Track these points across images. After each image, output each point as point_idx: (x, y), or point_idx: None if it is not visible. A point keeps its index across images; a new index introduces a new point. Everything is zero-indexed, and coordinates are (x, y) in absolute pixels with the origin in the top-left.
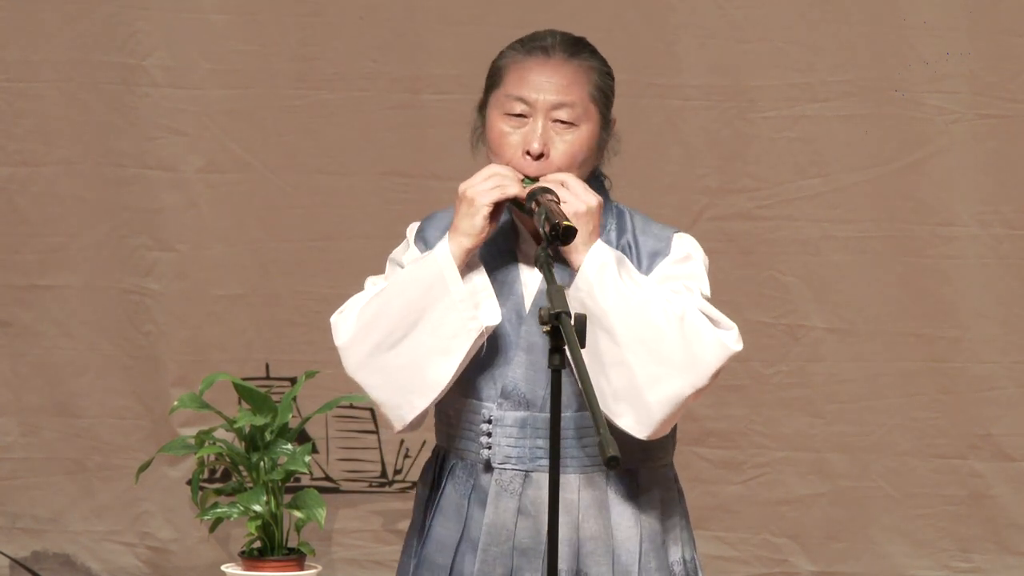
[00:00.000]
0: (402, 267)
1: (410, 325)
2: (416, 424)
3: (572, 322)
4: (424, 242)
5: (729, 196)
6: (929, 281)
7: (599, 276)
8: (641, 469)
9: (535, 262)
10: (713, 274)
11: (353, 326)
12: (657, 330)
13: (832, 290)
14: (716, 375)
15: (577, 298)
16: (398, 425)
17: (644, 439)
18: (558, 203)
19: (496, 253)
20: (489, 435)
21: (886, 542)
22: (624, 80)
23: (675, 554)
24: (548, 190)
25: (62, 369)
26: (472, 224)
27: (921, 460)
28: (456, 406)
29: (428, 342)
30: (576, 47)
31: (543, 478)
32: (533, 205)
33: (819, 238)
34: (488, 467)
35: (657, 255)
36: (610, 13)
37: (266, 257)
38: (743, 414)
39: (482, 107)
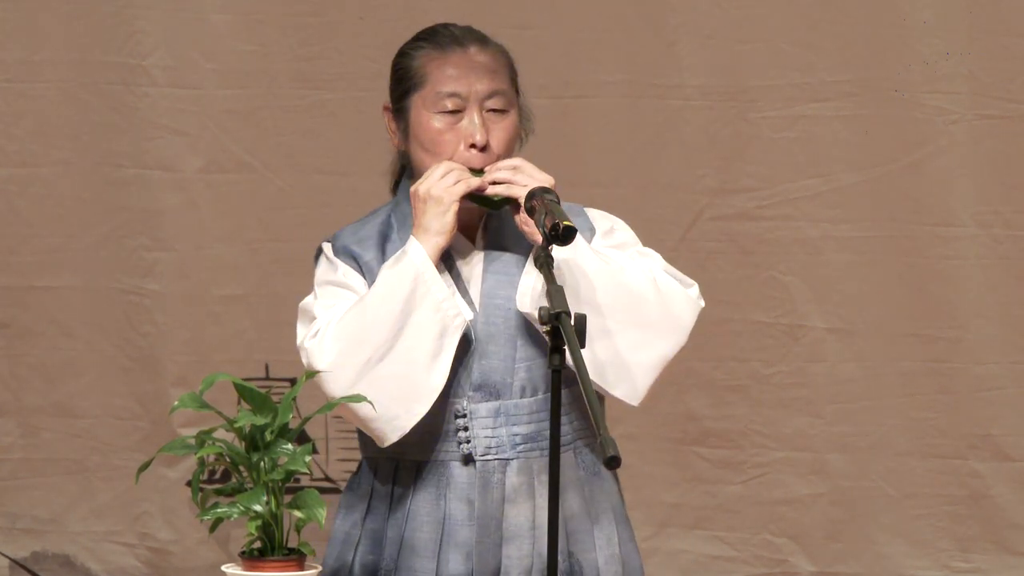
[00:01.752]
0: (343, 287)
1: (397, 333)
2: (407, 433)
3: (572, 322)
4: (353, 257)
5: (729, 196)
6: (929, 281)
7: (575, 250)
8: (592, 441)
9: (535, 262)
10: (712, 274)
11: (335, 346)
12: (637, 295)
13: (832, 290)
14: (690, 331)
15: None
16: (394, 436)
17: (636, 405)
18: (558, 203)
19: (455, 247)
20: (466, 429)
21: (886, 542)
22: (624, 80)
23: (630, 521)
24: (548, 190)
25: (62, 369)
26: (444, 222)
27: (921, 460)
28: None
29: (419, 346)
30: (481, 35)
31: (522, 464)
32: (534, 204)
33: (819, 238)
34: (467, 461)
35: (583, 231)
36: (610, 13)
37: (266, 257)
38: (743, 414)
39: (396, 111)
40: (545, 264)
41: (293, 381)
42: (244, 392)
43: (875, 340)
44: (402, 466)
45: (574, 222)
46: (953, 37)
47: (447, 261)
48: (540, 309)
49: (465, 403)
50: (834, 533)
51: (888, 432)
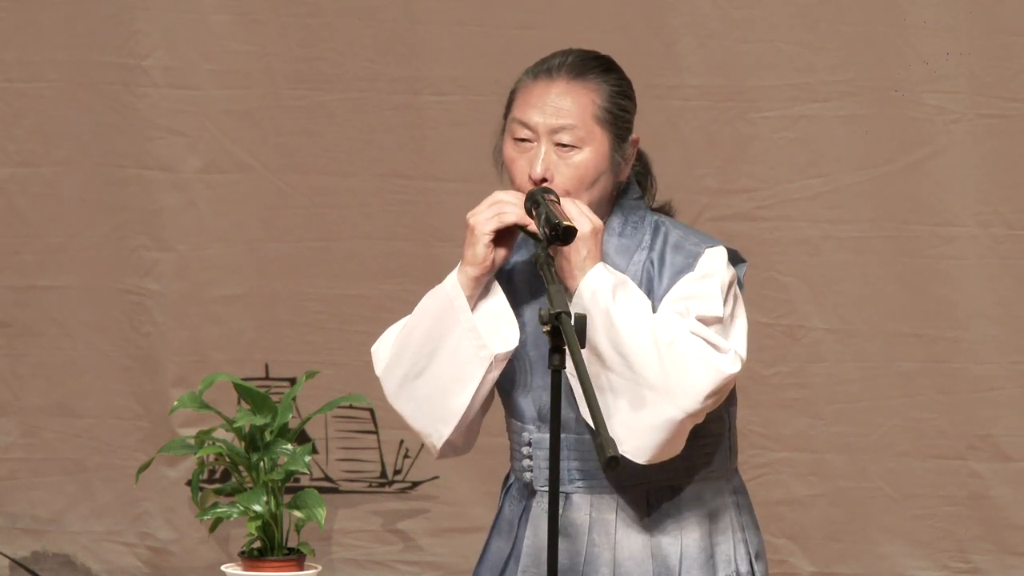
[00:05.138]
0: None
1: (429, 355)
2: (457, 449)
3: (572, 322)
4: None
5: (729, 196)
6: (929, 281)
7: (590, 302)
8: (685, 484)
9: (535, 262)
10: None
11: (385, 356)
12: (644, 356)
13: (832, 290)
14: (711, 398)
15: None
16: (434, 452)
17: (644, 464)
18: (558, 203)
19: (531, 278)
20: (530, 458)
21: (885, 543)
22: None
23: (726, 568)
24: (548, 190)
25: (62, 369)
26: (474, 253)
27: (920, 461)
28: (509, 426)
29: (446, 371)
30: (582, 67)
31: (582, 499)
32: (532, 207)
33: (819, 238)
34: (532, 490)
35: (681, 272)
36: (610, 13)
37: (265, 257)
38: (742, 415)
39: (502, 131)
40: (545, 264)
41: (293, 381)
42: (244, 392)
43: (875, 340)
44: (509, 475)
45: (679, 262)
46: (953, 37)
47: (521, 290)
48: (540, 309)
49: (533, 431)
50: (833, 533)
51: (888, 432)
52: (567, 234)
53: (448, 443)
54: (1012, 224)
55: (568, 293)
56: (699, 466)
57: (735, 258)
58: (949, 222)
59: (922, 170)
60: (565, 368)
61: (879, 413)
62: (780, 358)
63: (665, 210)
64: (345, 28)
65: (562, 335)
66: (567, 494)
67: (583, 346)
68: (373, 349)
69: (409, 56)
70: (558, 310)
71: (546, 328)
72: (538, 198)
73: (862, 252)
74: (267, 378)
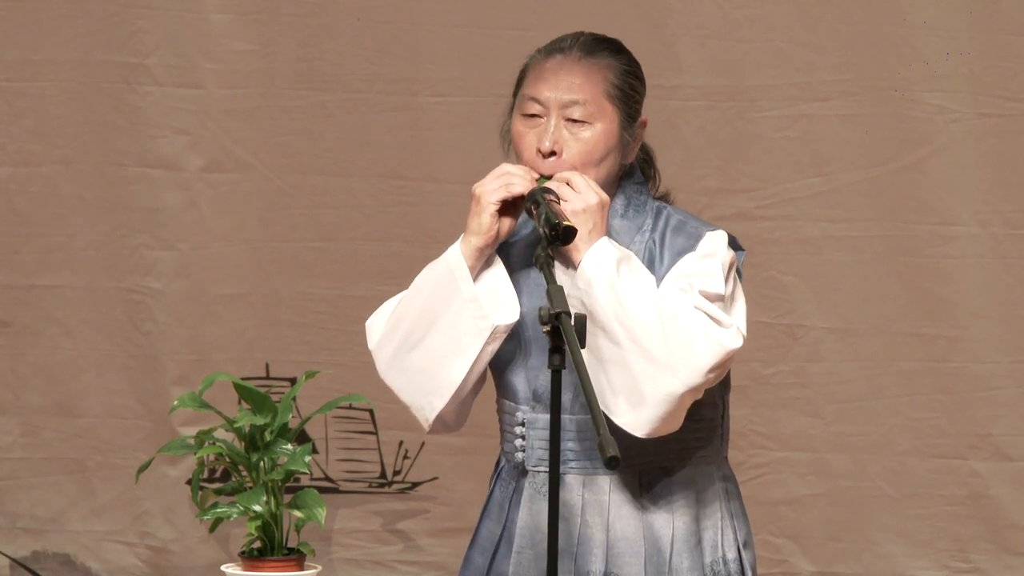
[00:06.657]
0: None
1: (427, 326)
2: (448, 425)
3: (572, 322)
4: None
5: (729, 196)
6: (929, 281)
7: (594, 274)
8: (677, 467)
9: (535, 262)
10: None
11: (380, 328)
12: (647, 329)
13: (832, 290)
14: (712, 372)
15: (576, 296)
16: (425, 425)
17: (642, 437)
18: (558, 202)
19: (528, 260)
20: (523, 438)
21: (885, 542)
22: None
23: (713, 554)
24: (548, 190)
25: (62, 369)
26: (479, 223)
27: (920, 460)
28: (500, 407)
29: (444, 342)
30: (595, 46)
31: (575, 480)
32: (532, 207)
33: (819, 238)
34: (523, 470)
35: (682, 253)
36: (610, 13)
37: (266, 257)
38: (742, 414)
39: (511, 109)
40: (545, 264)
41: (293, 381)
42: (244, 392)
43: (875, 340)
44: (500, 457)
45: (680, 244)
46: (953, 37)
47: (518, 271)
48: (540, 309)
49: (527, 411)
50: (834, 533)
51: (888, 432)
52: (567, 234)
53: (440, 418)
54: (1012, 223)
55: (572, 265)
56: (692, 449)
57: (734, 244)
58: (949, 221)
59: (922, 169)
60: (564, 368)
61: (879, 412)
62: (780, 358)
63: (667, 199)
64: (345, 28)
65: (562, 335)
66: (561, 474)
67: (583, 346)
68: (367, 323)
69: (408, 57)
70: (558, 310)
71: (546, 328)
72: (538, 198)
73: (862, 252)
74: (267, 378)
